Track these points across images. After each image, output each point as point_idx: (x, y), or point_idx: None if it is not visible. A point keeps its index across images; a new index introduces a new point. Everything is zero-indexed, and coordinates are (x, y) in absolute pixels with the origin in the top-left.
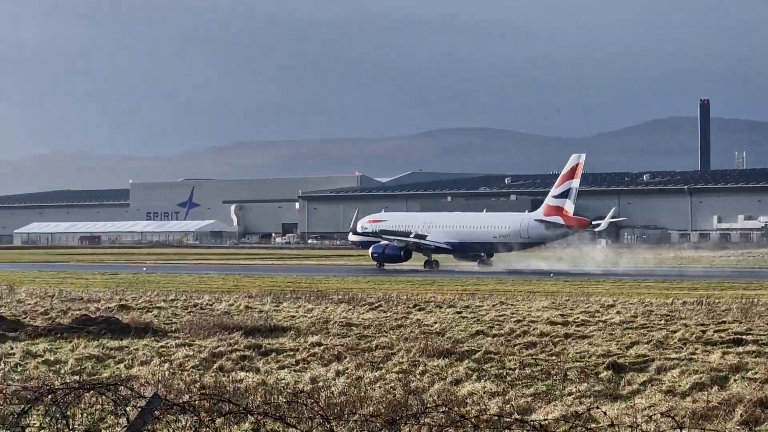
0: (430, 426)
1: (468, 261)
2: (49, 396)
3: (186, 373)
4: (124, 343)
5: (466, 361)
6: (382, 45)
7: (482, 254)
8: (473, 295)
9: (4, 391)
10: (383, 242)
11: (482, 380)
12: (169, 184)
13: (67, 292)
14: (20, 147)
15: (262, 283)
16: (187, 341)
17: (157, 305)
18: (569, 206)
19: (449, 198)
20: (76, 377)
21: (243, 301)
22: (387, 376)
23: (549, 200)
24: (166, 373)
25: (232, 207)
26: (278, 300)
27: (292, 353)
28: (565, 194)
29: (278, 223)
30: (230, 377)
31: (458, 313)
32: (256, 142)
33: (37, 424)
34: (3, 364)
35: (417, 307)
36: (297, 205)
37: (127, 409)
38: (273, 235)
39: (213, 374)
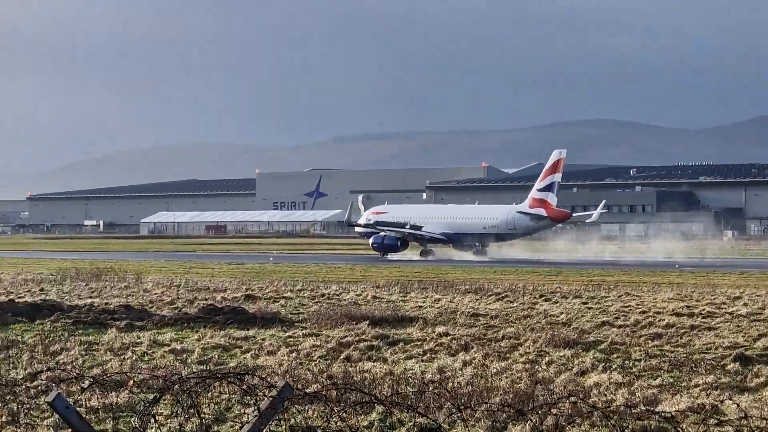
0: (557, 416)
1: (464, 251)
2: (178, 385)
3: (313, 363)
4: (251, 333)
5: (592, 351)
6: (508, 37)
7: (477, 244)
8: (599, 286)
9: (133, 380)
10: (382, 233)
11: (608, 371)
12: (295, 174)
13: (194, 282)
14: (144, 138)
15: (389, 273)
16: (314, 331)
17: (284, 295)
18: (552, 199)
19: (574, 189)
20: (203, 367)
21: (370, 291)
22: (513, 366)
23: (534, 193)
24: (293, 363)
25: (360, 197)
26: (405, 290)
27: (419, 343)
28: (548, 188)
29: None
30: (357, 367)
31: (584, 303)
32: (383, 133)
33: (167, 413)
34: (131, 353)
35: (543, 298)
36: (424, 195)
37: (258, 398)
38: None
39: (340, 364)
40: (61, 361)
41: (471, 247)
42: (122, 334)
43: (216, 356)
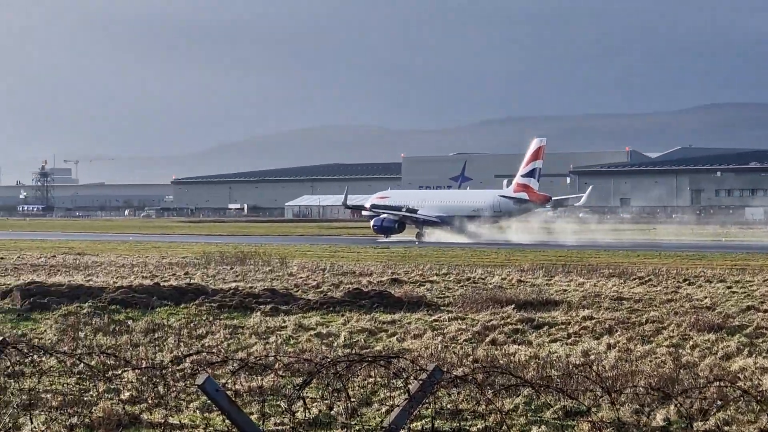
0: (702, 400)
1: (455, 232)
2: (323, 369)
3: (458, 347)
4: (396, 316)
5: (737, 336)
6: (667, 17)
7: (470, 226)
8: (743, 271)
9: (279, 364)
10: (382, 215)
11: (754, 356)
12: (440, 158)
13: (339, 266)
14: (289, 121)
15: (534, 257)
16: (459, 315)
17: (430, 279)
18: (534, 184)
19: (718, 173)
20: (348, 350)
21: (515, 274)
22: (657, 350)
23: (518, 179)
24: (439, 346)
25: (504, 181)
26: (550, 274)
27: (563, 327)
28: (530, 173)
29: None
30: (503, 350)
31: (728, 288)
32: (526, 116)
33: (312, 396)
34: (275, 337)
35: (687, 282)
36: (567, 179)
37: (407, 381)
38: None
39: (485, 348)
40: (206, 345)
41: (462, 229)
42: (267, 318)
43: (362, 340)
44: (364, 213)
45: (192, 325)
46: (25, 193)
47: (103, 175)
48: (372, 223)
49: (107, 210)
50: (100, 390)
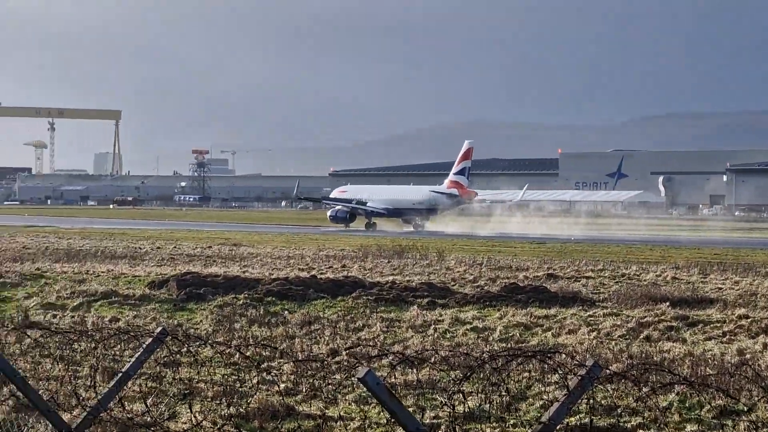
0: None
1: (402, 224)
2: (483, 363)
3: (613, 343)
4: (552, 312)
5: None
6: None
7: (416, 219)
8: None
9: (435, 357)
10: (336, 207)
11: None
12: (598, 154)
13: (495, 261)
14: (438, 115)
15: (689, 255)
16: (614, 311)
17: (585, 275)
18: (464, 181)
19: None
20: (504, 344)
21: (670, 272)
22: None
23: (451, 177)
24: (594, 342)
25: (660, 178)
26: (705, 271)
27: (718, 325)
28: (461, 172)
29: (705, 195)
30: (657, 347)
31: None
32: (687, 113)
33: (470, 389)
34: (432, 331)
35: None
36: (724, 177)
37: (566, 377)
38: (700, 206)
39: (639, 344)
40: (363, 338)
41: (409, 221)
42: (424, 311)
43: (517, 334)
44: (326, 203)
45: (348, 317)
46: (182, 183)
47: (259, 167)
48: (328, 213)
49: (264, 201)
50: (255, 381)
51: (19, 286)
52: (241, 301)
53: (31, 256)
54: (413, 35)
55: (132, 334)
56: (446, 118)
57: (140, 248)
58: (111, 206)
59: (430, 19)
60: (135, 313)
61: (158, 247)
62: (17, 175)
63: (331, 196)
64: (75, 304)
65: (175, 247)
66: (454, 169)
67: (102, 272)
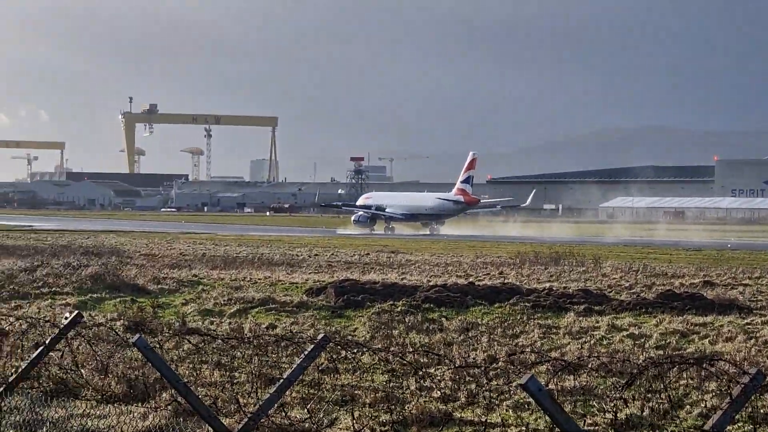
0: None
1: (416, 228)
2: (644, 370)
3: None
4: (708, 319)
5: None
6: None
7: (432, 223)
8: None
9: (593, 363)
10: (359, 212)
11: None
12: (755, 161)
13: (651, 267)
14: (598, 120)
15: None
16: None
17: (742, 282)
18: (468, 189)
19: None
20: (660, 352)
21: None
22: None
23: (458, 184)
24: (752, 350)
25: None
26: None
27: None
28: (466, 180)
29: None
30: None
31: None
32: None
33: (627, 396)
34: (589, 337)
35: None
36: None
37: (729, 385)
38: None
39: None
40: (520, 344)
41: (425, 225)
42: (580, 318)
43: (674, 342)
44: (344, 209)
45: (506, 324)
46: (341, 190)
47: (417, 173)
48: (353, 218)
49: None
50: (413, 387)
51: (177, 292)
52: (399, 308)
53: (188, 262)
54: (573, 41)
55: (293, 340)
56: (611, 122)
57: (297, 255)
58: (267, 213)
59: (591, 25)
60: (292, 320)
61: (315, 254)
62: (174, 182)
63: (358, 203)
64: (232, 310)
65: (332, 254)
66: (461, 178)
67: (259, 279)
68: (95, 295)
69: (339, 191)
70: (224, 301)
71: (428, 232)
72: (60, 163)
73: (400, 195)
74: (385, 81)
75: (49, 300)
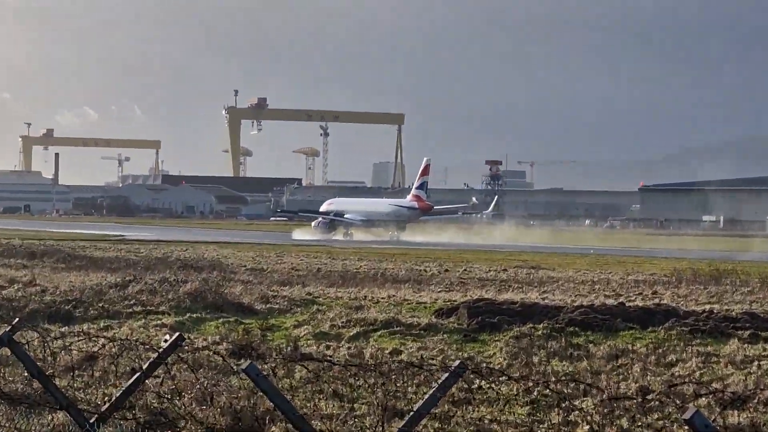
0: None
1: (374, 234)
2: None
3: None
4: None
5: None
6: None
7: (392, 228)
8: None
9: (760, 397)
10: (319, 219)
11: None
12: None
13: None
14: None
15: None
16: None
17: None
18: (423, 195)
19: None
20: None
21: None
22: None
23: (413, 191)
24: None
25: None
26: None
27: None
28: (421, 186)
29: None
30: None
31: None
32: None
33: None
34: (756, 367)
35: None
36: None
37: None
38: None
39: None
40: (676, 374)
41: (384, 230)
42: (745, 345)
43: None
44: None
45: (660, 351)
46: (474, 199)
47: (559, 180)
48: (312, 224)
49: (565, 218)
50: (554, 421)
51: (288, 312)
52: (540, 332)
53: (301, 278)
54: (729, 40)
55: (423, 367)
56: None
57: (425, 271)
58: None
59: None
60: (420, 344)
61: (446, 270)
62: (285, 187)
63: (321, 208)
64: (351, 334)
65: (465, 270)
66: (416, 184)
67: (382, 298)
68: (195, 315)
69: (472, 200)
70: (342, 323)
71: (387, 239)
72: (155, 164)
73: (358, 201)
74: (526, 79)
75: (143, 320)
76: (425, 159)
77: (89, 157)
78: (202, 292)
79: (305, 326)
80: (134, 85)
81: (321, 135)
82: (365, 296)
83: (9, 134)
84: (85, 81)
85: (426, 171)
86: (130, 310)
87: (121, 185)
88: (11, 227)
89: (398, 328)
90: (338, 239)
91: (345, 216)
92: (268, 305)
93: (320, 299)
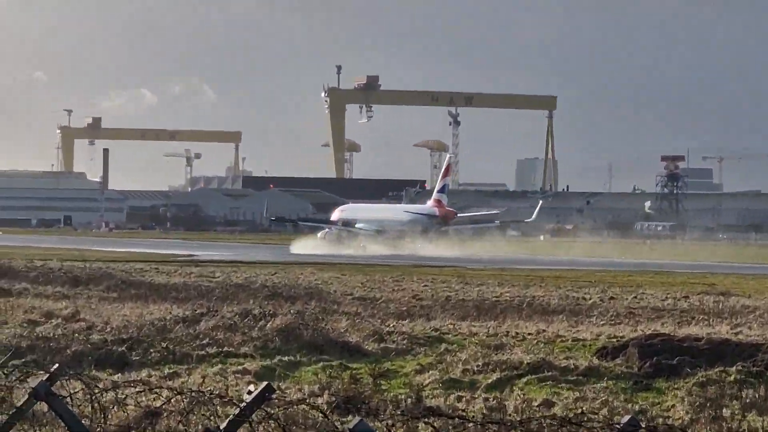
0: None
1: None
2: None
3: None
4: None
5: None
6: None
7: (408, 239)
8: None
9: None
10: (325, 229)
11: None
12: None
13: None
14: None
15: None
16: None
17: None
18: (444, 199)
19: None
20: None
21: None
22: None
23: (434, 194)
24: None
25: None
26: None
27: None
28: (442, 189)
29: None
30: None
31: None
32: None
33: None
34: None
35: None
36: None
37: None
38: None
39: None
40: None
41: (399, 241)
42: None
43: None
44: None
45: None
46: (648, 204)
47: (758, 181)
48: (319, 234)
49: (765, 231)
50: None
51: (408, 354)
52: (733, 377)
53: (425, 309)
54: None
55: (581, 424)
56: None
57: (584, 298)
58: (541, 237)
59: None
60: (577, 394)
61: (610, 297)
62: (404, 191)
63: (333, 216)
64: (490, 381)
65: (635, 296)
66: (437, 186)
67: (529, 334)
68: (287, 359)
69: (646, 205)
70: (478, 366)
71: (405, 252)
72: (234, 162)
73: (371, 207)
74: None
75: (219, 365)
76: (447, 156)
77: (148, 153)
78: (296, 328)
79: (430, 371)
80: (205, 58)
81: (450, 123)
82: (507, 332)
83: (45, 124)
84: (140, 54)
85: (448, 171)
86: (203, 352)
87: (189, 190)
88: (48, 245)
89: (550, 373)
90: (350, 253)
91: (356, 225)
92: (381, 344)
93: (450, 336)
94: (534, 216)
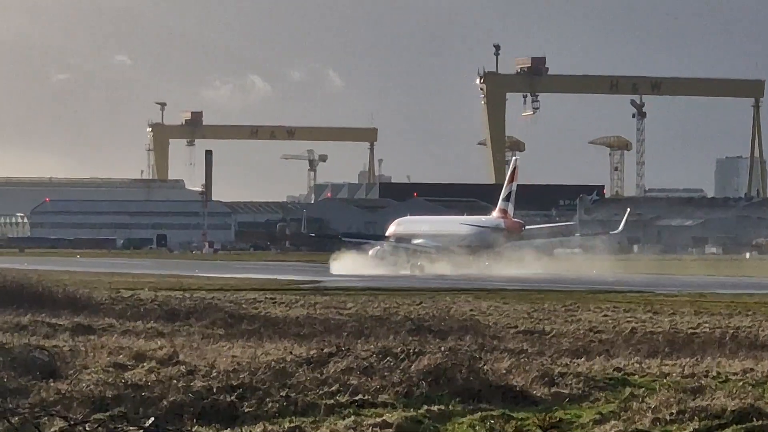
0: None
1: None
2: None
3: None
4: None
5: None
6: None
7: (482, 256)
8: None
9: None
10: (376, 246)
11: None
12: None
13: None
14: None
15: None
16: None
17: None
18: (510, 208)
19: None
20: None
21: None
22: None
23: (500, 203)
24: None
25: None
26: None
27: None
28: (508, 197)
29: None
30: None
31: None
32: None
33: None
34: None
35: None
36: None
37: None
38: None
39: None
40: None
41: (466, 259)
42: None
43: None
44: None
45: None
46: None
47: None
48: (370, 252)
49: None
50: None
51: (586, 399)
52: None
53: (606, 344)
54: None
55: None
56: None
57: None
58: (747, 255)
59: None
60: None
61: None
62: (579, 199)
63: (387, 232)
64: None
65: None
66: (503, 194)
67: (733, 374)
68: (436, 408)
69: None
70: (671, 415)
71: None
72: (368, 166)
73: (428, 219)
74: None
75: (352, 417)
76: (513, 159)
77: (261, 155)
78: (447, 369)
79: (612, 421)
80: (331, 38)
81: (633, 116)
82: (707, 372)
83: (132, 120)
84: (249, 33)
85: (514, 175)
86: (332, 401)
87: (313, 200)
88: (138, 271)
89: (759, 423)
90: (405, 273)
91: (413, 241)
92: (553, 389)
93: (636, 377)
94: (621, 227)
